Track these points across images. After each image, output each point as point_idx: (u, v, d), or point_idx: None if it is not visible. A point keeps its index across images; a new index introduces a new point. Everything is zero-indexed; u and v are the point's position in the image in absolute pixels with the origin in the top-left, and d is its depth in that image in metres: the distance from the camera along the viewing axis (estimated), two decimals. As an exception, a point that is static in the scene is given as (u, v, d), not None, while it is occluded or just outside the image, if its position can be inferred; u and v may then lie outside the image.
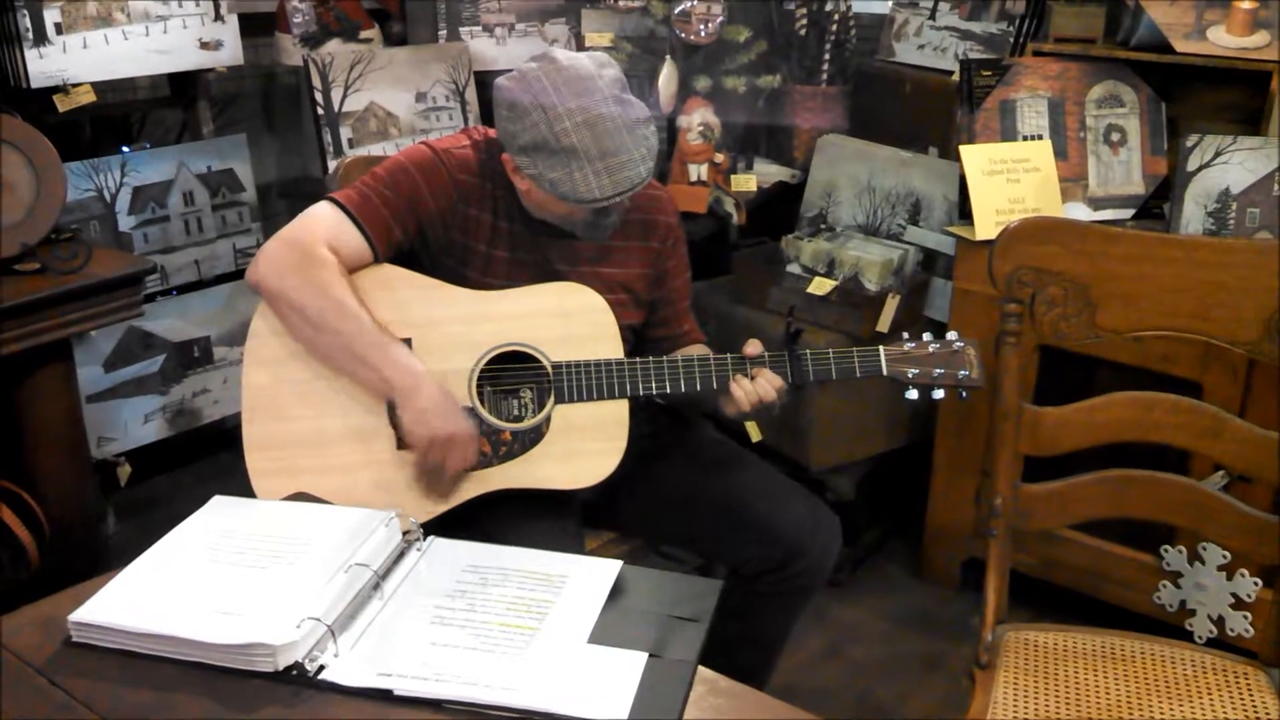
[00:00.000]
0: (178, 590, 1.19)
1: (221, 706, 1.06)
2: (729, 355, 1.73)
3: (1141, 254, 1.55)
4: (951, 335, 1.76)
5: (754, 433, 2.47)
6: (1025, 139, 2.46)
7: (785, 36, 2.96)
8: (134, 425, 2.69)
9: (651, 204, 1.87)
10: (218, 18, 2.58)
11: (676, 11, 2.70)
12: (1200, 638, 1.77)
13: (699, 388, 1.72)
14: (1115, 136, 2.48)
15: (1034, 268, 1.57)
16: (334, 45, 2.84)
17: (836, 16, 2.94)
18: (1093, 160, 2.48)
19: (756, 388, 1.71)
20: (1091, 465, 1.62)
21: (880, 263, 2.57)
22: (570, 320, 1.71)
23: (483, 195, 1.76)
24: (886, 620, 2.60)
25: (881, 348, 1.74)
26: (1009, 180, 2.39)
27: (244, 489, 1.62)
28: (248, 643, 1.09)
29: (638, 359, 1.71)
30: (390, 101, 2.83)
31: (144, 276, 2.16)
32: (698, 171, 2.74)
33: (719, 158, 2.74)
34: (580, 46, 2.86)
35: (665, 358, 1.73)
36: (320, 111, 2.73)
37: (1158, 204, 2.45)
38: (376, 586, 1.23)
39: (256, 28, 2.80)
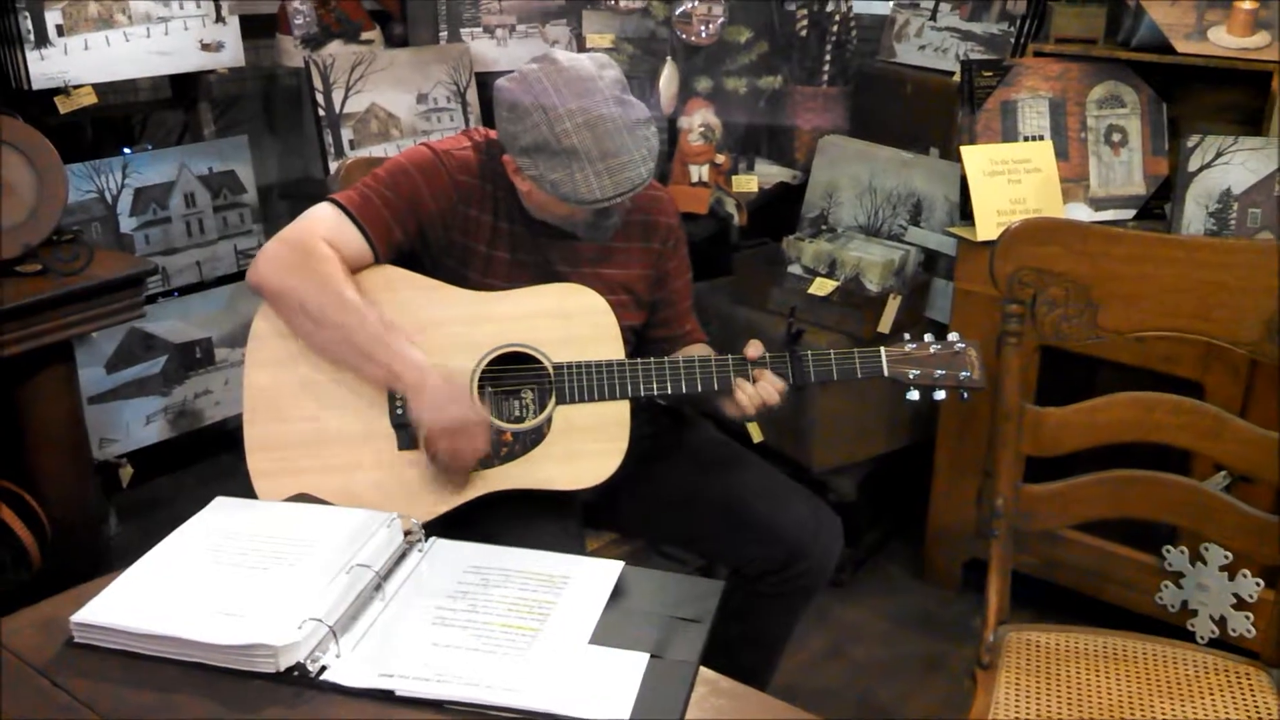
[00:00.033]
0: (179, 591, 1.19)
1: (223, 707, 1.06)
2: (730, 356, 1.73)
3: (1143, 254, 1.55)
4: (953, 336, 1.76)
5: (756, 433, 2.47)
6: (1026, 140, 2.46)
7: (786, 37, 2.96)
8: (136, 426, 2.69)
9: (652, 205, 1.87)
10: (219, 19, 2.58)
11: (677, 13, 2.70)
12: (1202, 638, 1.77)
13: (700, 389, 1.72)
14: (1116, 137, 2.48)
15: (1035, 268, 1.57)
16: (335, 47, 2.85)
17: (837, 17, 2.94)
18: (1094, 161, 2.48)
19: (759, 391, 1.71)
20: (1093, 466, 1.62)
21: (881, 263, 2.57)
22: (571, 321, 1.71)
23: (483, 196, 1.76)
24: (888, 621, 2.59)
25: (883, 349, 1.74)
26: (1010, 181, 2.39)
27: (246, 490, 1.62)
28: (249, 643, 1.09)
29: (639, 360, 1.71)
30: (391, 103, 2.83)
31: (145, 278, 2.16)
32: (699, 172, 2.74)
33: (720, 159, 2.74)
34: (581, 48, 2.86)
35: (666, 358, 1.73)
36: (321, 113, 2.73)
37: (1159, 204, 2.45)
38: (378, 587, 1.23)
39: (257, 29, 2.80)
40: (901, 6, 3.03)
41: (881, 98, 3.00)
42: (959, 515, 2.58)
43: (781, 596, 1.83)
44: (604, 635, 1.16)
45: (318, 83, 2.72)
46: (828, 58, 2.95)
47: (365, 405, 1.67)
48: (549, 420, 1.69)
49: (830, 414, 2.55)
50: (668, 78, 2.75)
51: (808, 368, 1.73)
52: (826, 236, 2.79)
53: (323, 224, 1.68)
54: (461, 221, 1.75)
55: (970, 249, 2.41)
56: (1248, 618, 1.75)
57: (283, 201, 3.06)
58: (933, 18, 2.96)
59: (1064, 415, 1.60)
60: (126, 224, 2.61)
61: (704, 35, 2.72)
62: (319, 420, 1.67)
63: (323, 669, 1.10)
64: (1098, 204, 2.47)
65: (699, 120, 2.72)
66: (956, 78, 2.60)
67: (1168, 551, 1.83)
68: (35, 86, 2.29)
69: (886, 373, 1.73)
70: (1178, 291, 1.54)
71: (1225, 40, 2.29)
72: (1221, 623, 1.77)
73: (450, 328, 1.69)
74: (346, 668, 1.11)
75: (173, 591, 1.19)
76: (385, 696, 1.07)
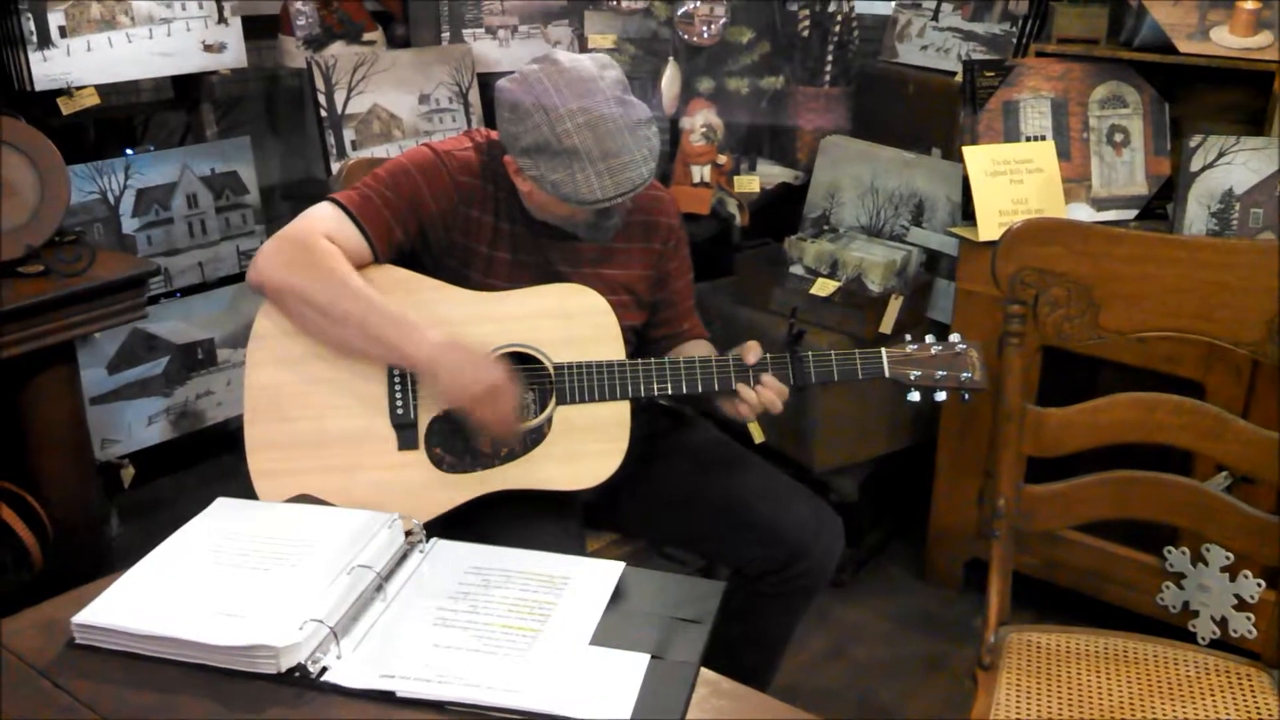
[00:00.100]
0: (181, 592, 1.19)
1: (224, 708, 1.06)
2: (731, 358, 1.73)
3: (1145, 255, 1.55)
4: (954, 337, 1.76)
5: (757, 434, 2.47)
6: (1028, 140, 2.46)
7: (788, 38, 2.96)
8: (137, 427, 2.69)
9: (653, 205, 1.87)
10: (221, 20, 2.59)
11: (679, 13, 2.70)
12: (1203, 639, 1.77)
13: (701, 389, 1.72)
14: (1118, 137, 2.48)
15: (1037, 269, 1.56)
16: (337, 47, 2.85)
17: (839, 18, 2.94)
18: (1096, 161, 2.48)
19: (761, 397, 1.71)
20: (1094, 466, 1.62)
21: (883, 264, 2.57)
22: (572, 321, 1.71)
23: (484, 197, 1.76)
24: (889, 621, 2.59)
25: (884, 349, 1.74)
26: (1012, 181, 2.39)
27: (247, 491, 1.62)
28: (251, 644, 1.09)
29: (639, 360, 1.71)
30: (393, 103, 2.83)
31: (147, 279, 2.16)
32: (700, 173, 2.74)
33: (722, 159, 2.74)
34: (583, 48, 2.86)
35: (667, 359, 1.73)
36: (323, 114, 2.73)
37: (1161, 205, 2.45)
38: (379, 588, 1.23)
39: (260, 30, 2.80)
40: (903, 7, 3.02)
41: (883, 98, 3.00)
42: (960, 516, 2.58)
43: (782, 597, 1.83)
44: (605, 636, 1.16)
45: (320, 83, 2.72)
46: (830, 58, 2.95)
47: (366, 405, 1.67)
48: (549, 420, 1.69)
49: (832, 415, 2.55)
50: (670, 78, 2.75)
51: (809, 368, 1.73)
52: (828, 237, 2.79)
53: (322, 222, 1.68)
54: (463, 222, 1.75)
55: (972, 249, 2.41)
56: (1249, 618, 1.75)
57: (285, 202, 3.06)
58: (935, 18, 2.96)
59: (1065, 416, 1.60)
60: (129, 225, 2.61)
61: (706, 36, 2.72)
62: (320, 421, 1.67)
63: (324, 670, 1.11)
64: (1100, 204, 2.47)
65: (701, 121, 2.72)
66: (958, 78, 2.60)
67: (1169, 552, 1.84)
68: (38, 87, 2.30)
69: (888, 373, 1.73)
70: (1179, 292, 1.54)
71: (1227, 40, 2.29)
72: (1223, 623, 1.78)
73: (451, 328, 1.69)
74: (347, 669, 1.11)
75: (174, 592, 1.19)
76: (386, 697, 1.07)
